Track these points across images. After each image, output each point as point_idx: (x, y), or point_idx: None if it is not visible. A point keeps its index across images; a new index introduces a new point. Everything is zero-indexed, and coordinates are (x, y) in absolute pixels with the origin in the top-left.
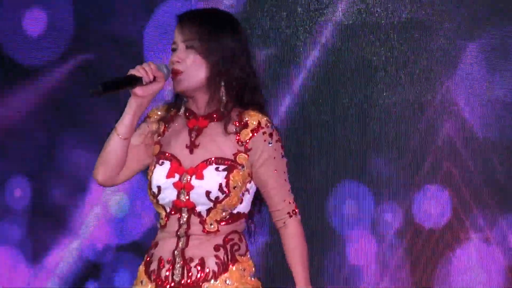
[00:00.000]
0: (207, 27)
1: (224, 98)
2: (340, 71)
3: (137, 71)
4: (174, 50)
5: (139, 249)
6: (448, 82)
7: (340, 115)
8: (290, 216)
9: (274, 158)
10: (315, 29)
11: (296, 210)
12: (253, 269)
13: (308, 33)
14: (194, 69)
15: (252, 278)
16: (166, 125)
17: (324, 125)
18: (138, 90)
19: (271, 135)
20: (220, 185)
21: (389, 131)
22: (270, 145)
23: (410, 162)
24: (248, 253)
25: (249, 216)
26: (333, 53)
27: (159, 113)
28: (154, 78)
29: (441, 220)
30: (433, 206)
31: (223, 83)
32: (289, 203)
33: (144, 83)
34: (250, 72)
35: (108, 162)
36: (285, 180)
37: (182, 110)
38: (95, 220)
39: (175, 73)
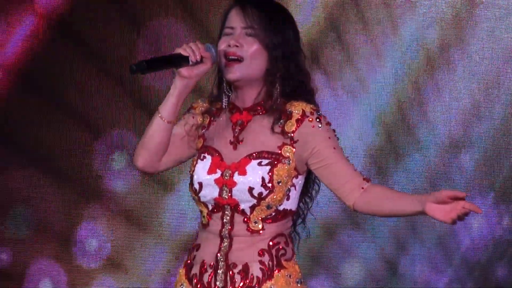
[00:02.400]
0: (273, 19)
1: (276, 93)
2: None
3: (183, 50)
4: (228, 34)
5: None
6: None
7: None
8: (368, 181)
9: (329, 138)
10: None
11: (368, 178)
12: (300, 274)
13: None
14: (255, 58)
15: (299, 284)
16: (212, 118)
17: None
18: (184, 70)
19: (318, 119)
20: (263, 180)
21: None
22: (320, 128)
23: None
24: (294, 257)
25: (296, 215)
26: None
27: (204, 105)
28: (202, 58)
29: None
30: None
31: (279, 77)
32: (360, 173)
33: (190, 63)
34: (304, 71)
35: (150, 147)
36: (346, 157)
37: (225, 104)
38: None
39: (233, 59)
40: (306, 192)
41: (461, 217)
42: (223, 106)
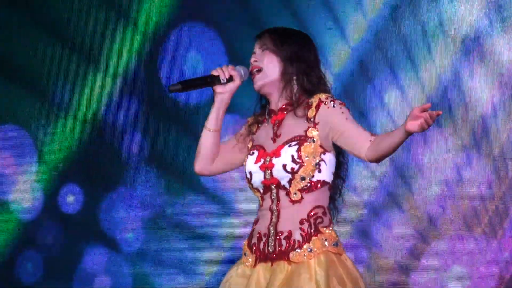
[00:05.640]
0: (277, 35)
1: (295, 87)
2: None
3: (215, 71)
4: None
5: None
6: None
7: None
8: (374, 136)
9: (342, 112)
10: None
11: (375, 134)
12: (337, 238)
13: None
14: (270, 65)
15: (335, 246)
16: (258, 125)
17: None
18: (217, 88)
19: (332, 101)
20: (293, 157)
21: None
22: (334, 107)
23: None
24: (332, 225)
25: (333, 191)
26: None
27: (253, 118)
28: (231, 76)
29: None
30: None
31: (294, 76)
32: (367, 131)
33: (222, 81)
34: (315, 66)
35: (201, 153)
36: (357, 123)
37: (267, 115)
38: None
39: (256, 71)
40: (339, 173)
41: (429, 123)
42: (266, 117)
